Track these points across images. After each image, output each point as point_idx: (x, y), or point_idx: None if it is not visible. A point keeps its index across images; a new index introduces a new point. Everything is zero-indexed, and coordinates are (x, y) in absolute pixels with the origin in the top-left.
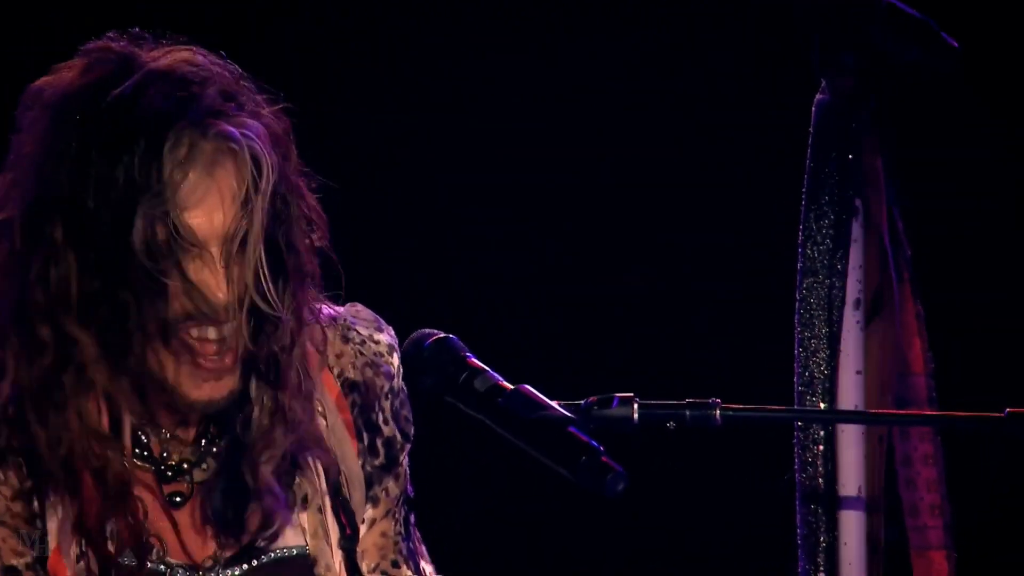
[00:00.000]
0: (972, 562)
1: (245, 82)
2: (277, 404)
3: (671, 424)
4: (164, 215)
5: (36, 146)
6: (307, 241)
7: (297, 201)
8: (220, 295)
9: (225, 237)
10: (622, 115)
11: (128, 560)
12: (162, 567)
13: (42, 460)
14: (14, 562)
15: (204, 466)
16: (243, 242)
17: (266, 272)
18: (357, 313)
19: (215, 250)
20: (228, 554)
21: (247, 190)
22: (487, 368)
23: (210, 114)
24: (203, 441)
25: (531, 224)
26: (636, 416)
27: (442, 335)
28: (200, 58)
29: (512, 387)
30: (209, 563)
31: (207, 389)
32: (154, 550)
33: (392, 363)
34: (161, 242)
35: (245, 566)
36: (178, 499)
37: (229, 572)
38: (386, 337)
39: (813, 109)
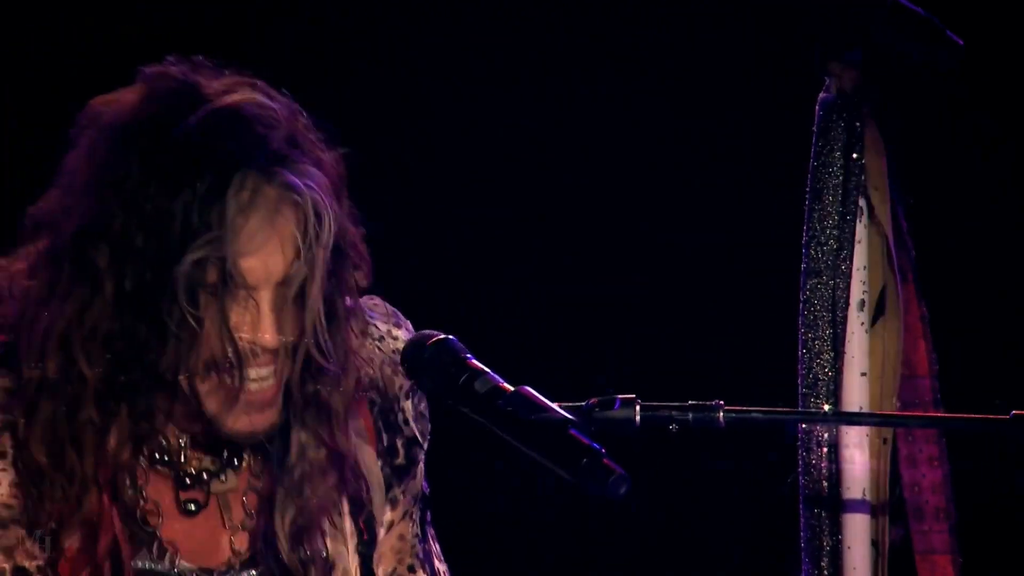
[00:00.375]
0: (977, 566)
1: (305, 121)
2: (319, 439)
3: (674, 426)
4: (220, 259)
5: (92, 169)
6: (354, 283)
7: (350, 249)
8: (268, 337)
9: (279, 283)
10: (623, 114)
11: (142, 563)
12: (175, 572)
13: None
14: (26, 564)
15: (223, 477)
16: (300, 291)
17: (323, 322)
18: (375, 307)
19: (265, 294)
20: (244, 559)
21: (307, 239)
22: (487, 370)
23: (276, 160)
24: (225, 452)
25: (531, 224)
26: (638, 418)
27: (442, 336)
28: (265, 99)
29: (513, 389)
30: (223, 568)
31: (247, 421)
32: (167, 554)
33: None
34: (209, 284)
35: (262, 568)
36: (192, 507)
37: (244, 575)
38: (404, 332)
39: (816, 107)
